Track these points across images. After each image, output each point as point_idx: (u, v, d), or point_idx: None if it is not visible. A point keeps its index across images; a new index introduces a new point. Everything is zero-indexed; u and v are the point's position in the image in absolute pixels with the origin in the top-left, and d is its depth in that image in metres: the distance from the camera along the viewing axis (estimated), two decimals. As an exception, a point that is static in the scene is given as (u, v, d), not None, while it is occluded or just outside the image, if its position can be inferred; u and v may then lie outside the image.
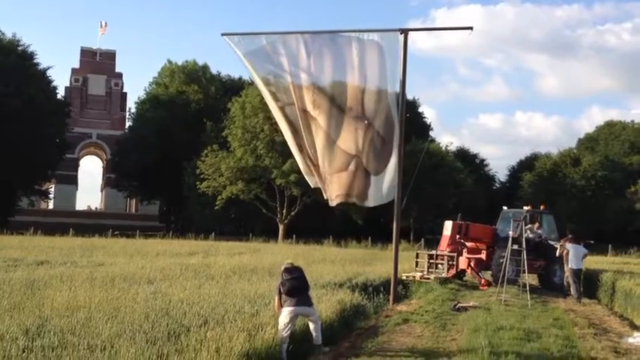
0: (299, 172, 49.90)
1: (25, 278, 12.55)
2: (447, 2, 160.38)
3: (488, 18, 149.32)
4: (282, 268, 9.13)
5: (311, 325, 8.85)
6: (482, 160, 76.24)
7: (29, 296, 10.05)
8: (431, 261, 20.09)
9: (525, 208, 20.73)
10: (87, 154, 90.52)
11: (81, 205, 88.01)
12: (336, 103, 14.39)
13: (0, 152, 49.25)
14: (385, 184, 14.61)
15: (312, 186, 15.26)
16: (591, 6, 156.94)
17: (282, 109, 14.63)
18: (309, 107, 14.39)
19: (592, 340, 10.86)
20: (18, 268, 15.59)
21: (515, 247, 16.77)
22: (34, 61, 57.31)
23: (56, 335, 7.13)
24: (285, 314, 8.53)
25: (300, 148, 14.73)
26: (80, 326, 7.67)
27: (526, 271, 16.49)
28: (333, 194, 14.74)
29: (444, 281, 18.61)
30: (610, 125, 72.24)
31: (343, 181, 14.59)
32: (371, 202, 14.98)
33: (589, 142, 71.71)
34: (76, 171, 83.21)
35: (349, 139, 14.52)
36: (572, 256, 17.07)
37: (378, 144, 14.51)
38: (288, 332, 8.38)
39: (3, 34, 55.93)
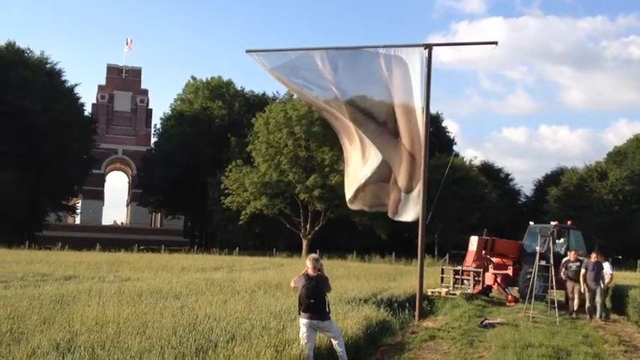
0: (322, 186, 49.48)
1: (54, 293, 12.71)
2: (468, 15, 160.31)
3: (510, 30, 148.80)
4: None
5: (334, 342, 8.71)
6: (507, 175, 75.71)
7: (59, 311, 10.15)
8: (456, 276, 19.94)
9: (553, 223, 20.50)
10: (113, 170, 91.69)
11: (107, 220, 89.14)
12: (372, 117, 14.50)
13: (28, 168, 50.16)
14: (411, 204, 14.60)
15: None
16: (615, 18, 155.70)
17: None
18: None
19: (622, 358, 10.70)
20: (47, 282, 15.79)
21: (543, 262, 16.60)
22: (62, 78, 58.38)
23: (86, 350, 7.18)
24: (300, 324, 8.51)
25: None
26: (110, 341, 7.73)
27: (554, 287, 16.27)
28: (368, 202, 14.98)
29: (470, 297, 18.47)
30: (639, 139, 71.08)
31: (387, 191, 14.70)
32: (401, 218, 15.00)
33: (617, 155, 70.65)
34: (102, 186, 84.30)
35: (390, 152, 14.60)
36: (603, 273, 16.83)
37: (409, 161, 14.50)
38: (309, 345, 8.27)
39: (31, 52, 57.13)
